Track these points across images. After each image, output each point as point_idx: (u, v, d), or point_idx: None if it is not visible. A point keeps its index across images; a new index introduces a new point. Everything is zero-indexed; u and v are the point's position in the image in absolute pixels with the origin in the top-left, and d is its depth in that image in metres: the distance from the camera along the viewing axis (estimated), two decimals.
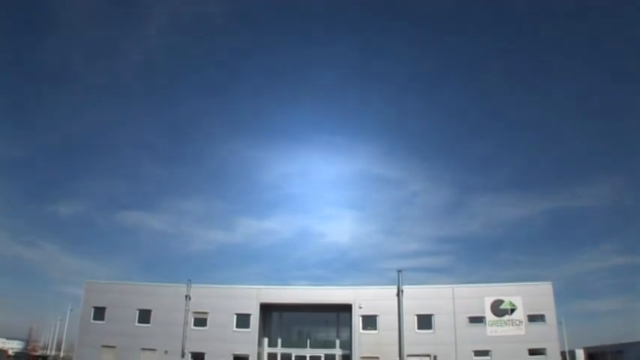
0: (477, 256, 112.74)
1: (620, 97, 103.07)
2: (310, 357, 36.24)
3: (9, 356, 70.69)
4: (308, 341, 37.13)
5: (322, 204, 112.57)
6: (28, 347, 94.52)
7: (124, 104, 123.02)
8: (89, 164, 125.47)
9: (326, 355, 36.08)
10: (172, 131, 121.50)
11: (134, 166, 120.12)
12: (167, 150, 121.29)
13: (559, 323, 38.47)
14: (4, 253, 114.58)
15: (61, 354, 59.27)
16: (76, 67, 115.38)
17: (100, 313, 37.35)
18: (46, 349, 77.31)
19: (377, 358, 33.89)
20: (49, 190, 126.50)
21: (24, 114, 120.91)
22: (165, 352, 35.32)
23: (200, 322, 36.36)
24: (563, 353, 44.48)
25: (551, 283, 35.37)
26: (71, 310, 58.54)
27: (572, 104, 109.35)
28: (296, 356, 36.40)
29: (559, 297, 35.98)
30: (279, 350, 37.05)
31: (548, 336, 33.45)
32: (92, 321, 37.21)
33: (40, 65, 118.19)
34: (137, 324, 36.60)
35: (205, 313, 36.49)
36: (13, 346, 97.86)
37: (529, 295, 34.49)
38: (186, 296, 36.58)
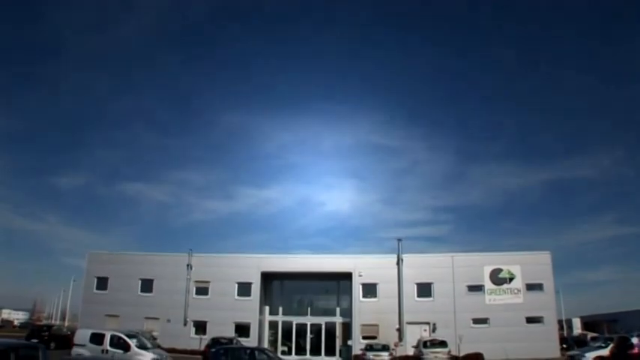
0: (476, 226, 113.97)
1: (622, 68, 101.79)
2: (311, 325, 36.66)
3: (14, 327, 72.12)
4: (309, 309, 37.52)
5: (322, 173, 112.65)
6: (33, 317, 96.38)
7: (124, 75, 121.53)
8: (89, 136, 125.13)
9: (326, 323, 36.44)
10: (172, 102, 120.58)
11: (134, 137, 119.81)
12: (167, 121, 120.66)
13: (557, 292, 39.02)
14: (7, 225, 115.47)
15: (66, 324, 60.20)
16: (76, 38, 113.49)
17: (102, 283, 37.64)
18: (51, 319, 78.69)
19: (377, 325, 34.33)
20: (50, 162, 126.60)
21: (23, 86, 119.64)
22: (168, 320, 35.75)
23: (202, 290, 36.67)
24: (560, 322, 45.20)
25: (549, 252, 35.59)
26: (74, 281, 59.35)
27: (573, 74, 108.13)
28: (297, 324, 36.82)
29: (557, 267, 36.34)
30: (280, 318, 37.51)
31: (545, 304, 33.79)
32: (95, 291, 37.55)
33: (38, 36, 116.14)
34: (140, 293, 36.90)
35: (207, 282, 36.78)
36: (18, 317, 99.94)
37: (528, 264, 34.71)
38: (187, 265, 36.80)
